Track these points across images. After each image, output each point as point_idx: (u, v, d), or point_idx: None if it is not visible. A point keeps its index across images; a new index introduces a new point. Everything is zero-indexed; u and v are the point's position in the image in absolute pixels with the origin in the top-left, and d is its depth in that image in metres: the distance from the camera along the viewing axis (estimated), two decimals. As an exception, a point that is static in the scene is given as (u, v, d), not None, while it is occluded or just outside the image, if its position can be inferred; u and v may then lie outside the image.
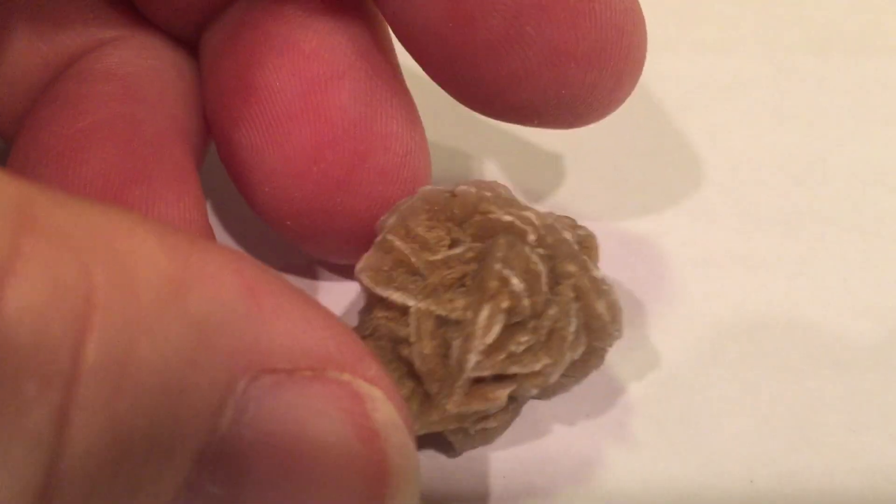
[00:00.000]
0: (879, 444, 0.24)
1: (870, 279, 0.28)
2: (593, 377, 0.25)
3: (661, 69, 0.35)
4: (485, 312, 0.22)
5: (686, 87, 0.35)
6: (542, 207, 0.26)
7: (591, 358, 0.24)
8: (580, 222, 0.25)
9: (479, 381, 0.22)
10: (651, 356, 0.27)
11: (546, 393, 0.25)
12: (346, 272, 0.27)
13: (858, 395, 0.26)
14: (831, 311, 0.28)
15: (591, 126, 0.31)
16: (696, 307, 0.28)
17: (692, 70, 0.35)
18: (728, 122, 0.33)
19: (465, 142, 0.32)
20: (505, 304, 0.22)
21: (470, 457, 0.25)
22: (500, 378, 0.22)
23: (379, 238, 0.24)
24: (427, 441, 0.25)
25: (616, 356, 0.25)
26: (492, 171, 0.31)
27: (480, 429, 0.24)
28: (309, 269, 0.29)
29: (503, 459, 0.25)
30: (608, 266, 0.26)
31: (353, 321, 0.26)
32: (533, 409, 0.25)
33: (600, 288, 0.23)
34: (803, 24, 0.37)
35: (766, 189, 0.31)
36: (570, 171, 0.32)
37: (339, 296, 0.28)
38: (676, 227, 0.30)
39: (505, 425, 0.24)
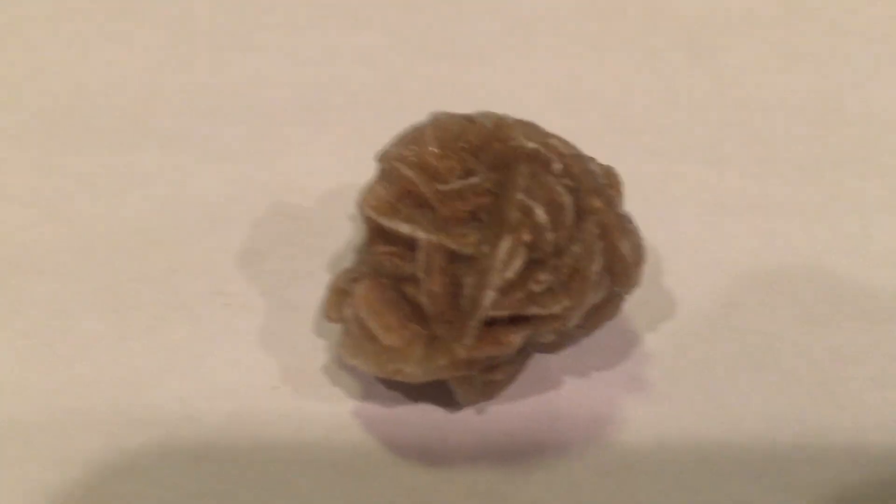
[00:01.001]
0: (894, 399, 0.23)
1: (891, 225, 0.27)
2: (605, 327, 0.23)
3: (670, 9, 0.34)
4: (505, 245, 0.20)
5: (695, 26, 0.33)
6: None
7: (608, 305, 0.22)
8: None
9: (492, 323, 0.20)
10: (666, 305, 0.25)
11: (556, 345, 0.23)
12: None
13: (884, 347, 0.24)
14: (853, 259, 0.26)
15: (601, 68, 0.30)
16: (712, 254, 0.26)
17: (701, 8, 0.33)
18: (739, 63, 0.32)
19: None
20: (527, 238, 0.20)
21: (471, 412, 0.23)
22: (515, 320, 0.21)
23: (385, 166, 0.22)
24: (425, 393, 0.23)
25: (629, 305, 0.24)
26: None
27: (487, 380, 0.22)
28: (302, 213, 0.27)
29: (508, 415, 0.23)
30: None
31: (349, 261, 0.24)
32: (540, 362, 0.24)
33: (626, 227, 0.21)
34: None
35: (781, 132, 0.30)
36: (579, 114, 0.30)
37: (327, 243, 0.26)
38: (688, 171, 0.28)
39: (511, 378, 0.23)
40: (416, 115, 0.28)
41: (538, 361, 0.24)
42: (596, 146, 0.28)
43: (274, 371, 0.23)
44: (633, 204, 0.26)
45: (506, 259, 0.20)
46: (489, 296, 0.20)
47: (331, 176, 0.28)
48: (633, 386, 0.23)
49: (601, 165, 0.22)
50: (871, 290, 0.25)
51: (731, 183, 0.28)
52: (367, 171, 0.25)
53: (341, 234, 0.26)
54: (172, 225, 0.27)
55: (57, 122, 0.30)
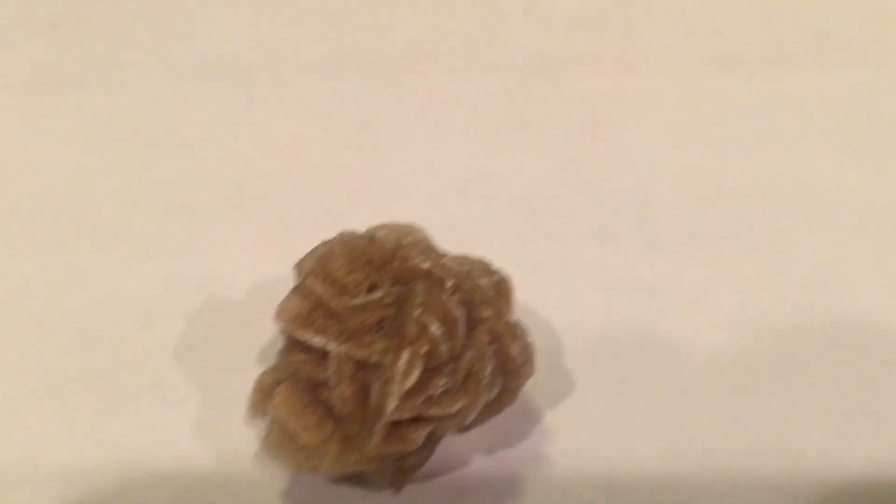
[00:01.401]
0: (778, 463, 0.26)
1: (767, 299, 0.30)
2: (510, 408, 0.26)
3: (562, 88, 0.36)
4: (404, 358, 0.22)
5: (590, 106, 0.35)
6: (457, 236, 0.27)
7: (505, 396, 0.25)
8: (492, 250, 0.26)
9: (397, 422, 0.23)
10: (565, 384, 0.28)
11: (463, 429, 0.26)
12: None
13: (759, 415, 0.27)
14: (732, 334, 0.29)
15: (501, 149, 0.32)
16: (607, 332, 0.29)
17: (595, 89, 0.36)
18: (633, 142, 0.34)
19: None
20: (424, 350, 0.22)
21: (388, 494, 0.25)
22: (418, 419, 0.23)
23: (298, 282, 0.24)
24: (347, 477, 0.25)
25: (531, 385, 0.26)
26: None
27: (399, 466, 0.24)
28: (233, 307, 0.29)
29: (422, 493, 0.25)
30: (522, 291, 0.26)
31: (271, 362, 0.26)
32: (451, 443, 0.26)
33: (514, 332, 0.24)
34: (707, 40, 0.38)
35: (671, 210, 0.32)
36: (486, 199, 0.32)
37: (257, 336, 0.28)
38: (586, 252, 0.31)
39: (423, 461, 0.25)
40: (333, 205, 0.31)
41: (449, 441, 0.26)
42: (501, 230, 0.31)
43: (209, 459, 0.26)
44: (537, 285, 0.29)
45: (405, 370, 0.22)
46: (391, 403, 0.22)
47: (255, 269, 0.30)
48: (534, 462, 0.26)
49: (493, 276, 0.25)
50: (748, 364, 0.28)
51: (623, 262, 0.30)
52: (288, 262, 0.27)
53: (266, 326, 0.28)
54: (111, 322, 0.29)
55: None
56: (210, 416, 0.27)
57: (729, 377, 0.28)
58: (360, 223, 0.26)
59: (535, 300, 0.29)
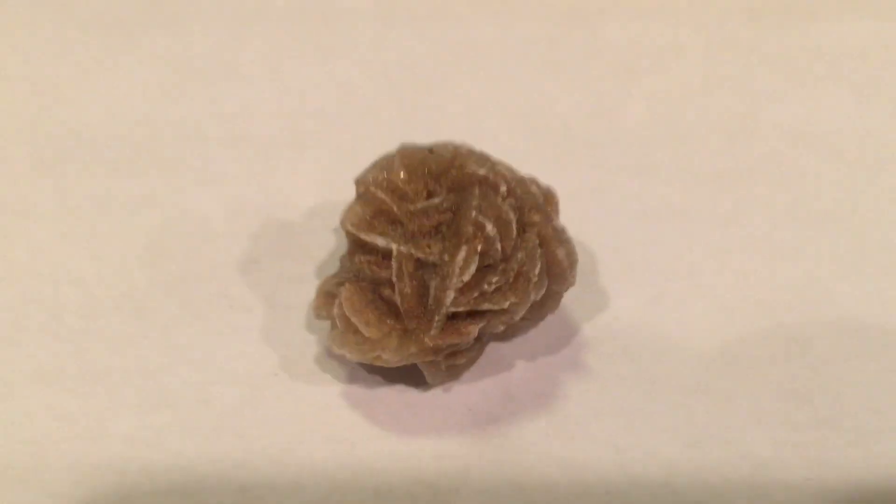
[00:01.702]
0: (800, 374, 0.28)
1: (793, 230, 0.32)
2: (549, 319, 0.28)
3: (598, 36, 0.38)
4: (462, 254, 0.24)
5: (623, 53, 0.38)
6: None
7: (548, 301, 0.27)
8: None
9: (453, 317, 0.25)
10: (601, 299, 0.30)
11: (507, 334, 0.28)
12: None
13: (784, 331, 0.29)
14: (758, 258, 0.31)
15: (545, 93, 0.34)
16: (640, 256, 0.31)
17: (628, 37, 0.38)
18: (665, 87, 0.36)
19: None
20: (480, 247, 0.24)
21: (438, 391, 0.27)
22: (472, 314, 0.25)
23: (361, 189, 0.26)
24: (400, 375, 0.27)
25: (570, 300, 0.28)
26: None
27: (450, 364, 0.26)
28: (292, 226, 0.31)
29: (469, 393, 0.27)
30: (563, 218, 0.28)
31: (334, 268, 0.29)
32: (495, 349, 0.28)
33: (561, 237, 0.26)
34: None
35: (701, 147, 0.34)
36: (527, 134, 0.35)
37: (315, 252, 0.31)
38: (620, 182, 0.33)
39: (471, 362, 0.27)
40: (385, 138, 0.33)
41: (494, 349, 0.28)
42: (541, 162, 0.33)
43: (273, 361, 0.28)
44: (574, 212, 0.31)
45: (463, 265, 0.24)
46: (450, 295, 0.24)
47: (313, 194, 0.32)
48: (573, 368, 0.28)
49: (541, 186, 0.27)
50: (772, 285, 0.30)
51: (656, 192, 0.33)
52: (344, 188, 0.29)
53: (325, 244, 0.31)
54: (178, 240, 0.31)
55: (69, 151, 0.34)
56: (274, 323, 0.29)
57: (753, 298, 0.30)
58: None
59: (573, 225, 0.30)
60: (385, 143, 0.32)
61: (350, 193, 0.29)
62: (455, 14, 0.39)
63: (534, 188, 0.26)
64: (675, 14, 0.39)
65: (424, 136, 0.34)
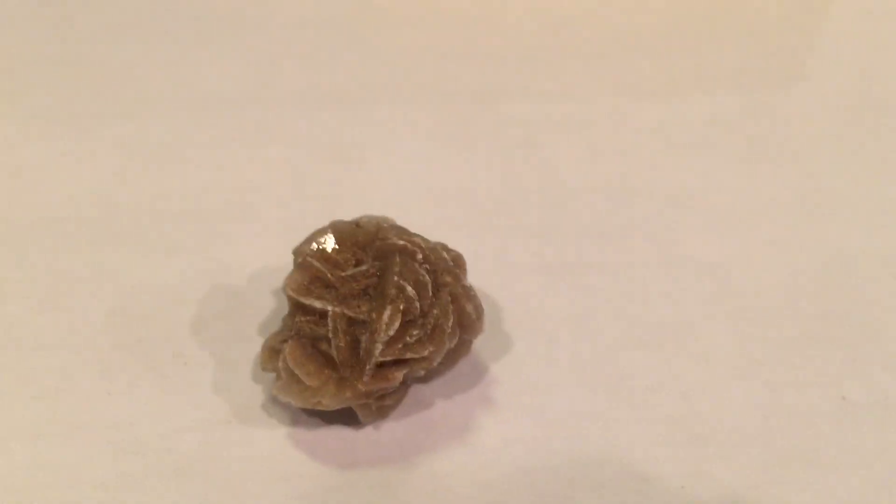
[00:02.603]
0: (671, 400, 0.33)
1: (666, 278, 0.37)
2: (462, 362, 0.33)
3: (499, 114, 0.44)
4: (387, 312, 0.29)
5: (520, 129, 0.43)
6: (418, 230, 0.34)
7: (461, 347, 0.32)
8: (446, 242, 0.33)
9: (381, 365, 0.30)
10: (506, 343, 0.34)
11: (427, 377, 0.33)
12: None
13: (657, 364, 0.34)
14: (638, 303, 0.36)
15: (449, 165, 0.39)
16: (537, 304, 0.36)
17: (524, 114, 0.44)
18: (558, 157, 0.42)
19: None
20: (402, 306, 0.29)
21: (371, 429, 0.32)
22: (397, 362, 0.30)
23: (299, 260, 0.31)
24: (337, 417, 0.31)
25: (479, 345, 0.33)
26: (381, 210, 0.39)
27: (380, 405, 0.31)
28: (237, 290, 0.36)
29: (397, 429, 0.32)
30: (470, 274, 0.33)
31: (275, 326, 0.33)
32: (417, 390, 0.33)
33: (469, 294, 0.31)
34: (613, 73, 0.46)
35: (587, 209, 0.40)
36: (438, 202, 0.40)
37: (258, 312, 0.35)
38: (521, 244, 0.38)
39: (397, 402, 0.32)
40: (315, 210, 0.37)
41: (416, 390, 0.33)
42: (452, 228, 0.38)
43: (226, 410, 0.32)
44: (481, 269, 0.36)
45: (388, 322, 0.29)
46: (378, 347, 0.29)
47: (254, 261, 0.37)
48: (484, 404, 0.33)
49: (450, 252, 0.32)
50: (650, 326, 0.35)
51: (551, 249, 0.38)
52: (282, 255, 0.33)
53: (266, 305, 0.35)
54: (136, 307, 0.35)
55: (35, 231, 0.38)
56: (224, 376, 0.33)
57: (632, 337, 0.35)
58: (336, 225, 0.33)
59: (481, 280, 0.36)
60: (315, 215, 0.37)
61: (287, 259, 0.33)
62: (375, 99, 0.44)
63: (444, 254, 0.31)
64: (565, 92, 0.45)
65: (349, 207, 0.39)
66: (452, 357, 0.31)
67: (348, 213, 0.35)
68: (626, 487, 0.30)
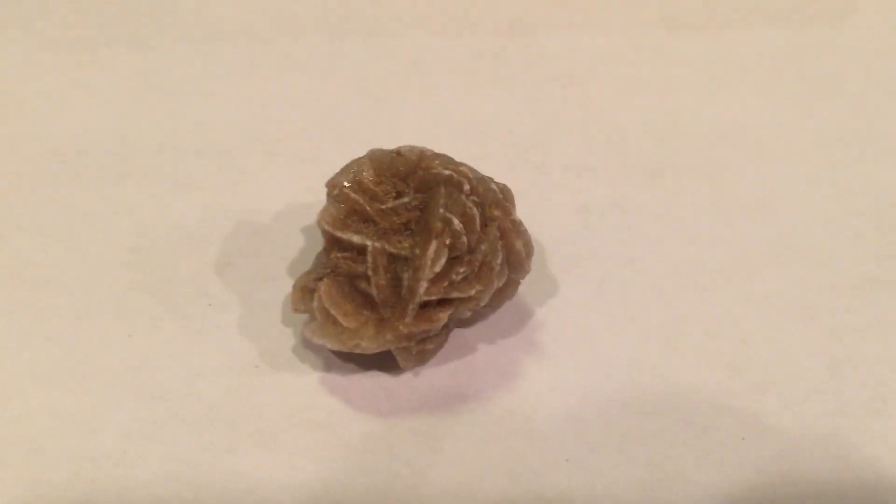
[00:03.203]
0: (730, 347, 0.31)
1: (717, 222, 0.35)
2: (507, 305, 0.31)
3: (536, 47, 0.41)
4: (432, 247, 0.27)
5: (559, 63, 0.41)
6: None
7: (508, 288, 0.29)
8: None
9: (424, 305, 0.27)
10: (550, 286, 0.32)
11: (470, 320, 0.30)
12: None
13: (714, 309, 0.32)
14: (688, 244, 0.34)
15: (486, 99, 0.37)
16: (583, 245, 0.34)
17: (563, 47, 0.41)
18: (600, 93, 0.39)
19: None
20: (448, 241, 0.27)
21: (409, 374, 0.30)
22: (441, 302, 0.28)
23: (336, 192, 0.28)
24: (373, 362, 0.29)
25: (523, 287, 0.31)
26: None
27: (420, 349, 0.29)
28: (262, 228, 0.33)
29: (437, 375, 0.30)
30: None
31: (303, 266, 0.31)
32: (459, 334, 0.31)
33: (518, 229, 0.29)
34: (655, 4, 0.43)
35: (632, 147, 0.37)
36: (475, 138, 0.37)
37: (285, 251, 0.33)
38: (563, 181, 0.36)
39: (439, 346, 0.30)
40: (344, 145, 0.35)
41: (458, 334, 0.31)
42: (490, 164, 0.35)
43: (254, 354, 0.30)
44: (523, 208, 0.33)
45: (434, 258, 0.27)
46: (423, 286, 0.27)
47: (281, 197, 0.34)
48: (529, 349, 0.31)
49: (498, 184, 0.29)
50: (702, 268, 0.33)
51: (594, 189, 0.36)
52: (309, 192, 0.31)
53: (294, 244, 0.33)
54: (156, 245, 0.33)
55: (48, 165, 0.35)
56: (251, 319, 0.31)
57: (685, 280, 0.33)
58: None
59: (523, 220, 0.33)
60: (344, 149, 0.34)
61: (313, 197, 0.31)
62: (401, 29, 0.42)
63: (493, 186, 0.28)
64: (603, 25, 0.43)
65: (380, 142, 0.36)
66: (498, 298, 0.29)
67: (378, 146, 0.33)
68: (682, 440, 0.28)
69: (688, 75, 0.41)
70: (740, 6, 0.44)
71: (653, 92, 0.40)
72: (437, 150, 0.30)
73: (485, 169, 0.32)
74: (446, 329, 0.29)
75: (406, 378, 0.30)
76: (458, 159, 0.30)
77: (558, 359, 0.30)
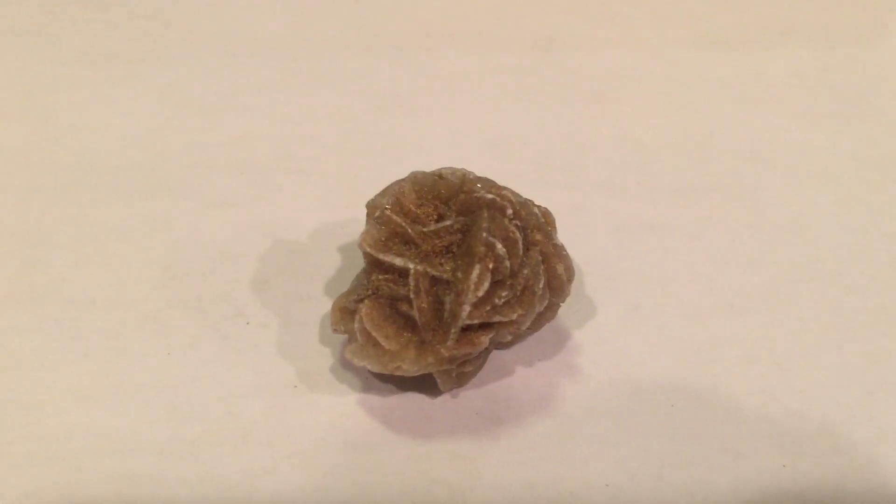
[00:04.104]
0: (766, 371, 0.31)
1: (751, 237, 0.35)
2: (545, 328, 0.31)
3: (573, 66, 0.41)
4: (476, 271, 0.27)
5: (590, 81, 0.41)
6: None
7: (548, 312, 0.29)
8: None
9: (466, 329, 0.27)
10: (588, 308, 0.32)
11: (509, 343, 0.30)
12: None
13: (749, 332, 0.32)
14: (723, 265, 0.34)
15: (517, 117, 0.36)
16: (618, 267, 0.34)
17: (594, 65, 0.41)
18: (632, 111, 0.39)
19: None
20: (491, 265, 0.27)
21: (447, 396, 0.29)
22: (483, 326, 0.28)
23: (377, 213, 0.28)
24: (411, 384, 0.29)
25: (561, 308, 0.31)
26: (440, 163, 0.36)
27: (460, 371, 0.29)
28: (298, 247, 0.33)
29: (476, 397, 0.30)
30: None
31: (340, 285, 0.31)
32: (497, 356, 0.31)
33: (560, 254, 0.29)
34: (686, 24, 0.43)
35: (664, 166, 0.37)
36: (505, 156, 0.37)
37: (322, 271, 0.33)
38: (595, 201, 0.36)
39: (478, 369, 0.29)
40: (376, 163, 0.35)
41: (495, 356, 0.30)
42: (521, 182, 0.35)
43: (292, 373, 0.30)
44: (558, 229, 0.33)
45: (477, 282, 0.27)
46: (465, 310, 0.27)
47: (317, 214, 0.34)
48: (566, 371, 0.31)
49: (540, 207, 0.29)
50: (737, 289, 0.33)
51: (627, 208, 0.35)
52: (344, 210, 0.31)
53: (330, 263, 0.33)
54: (192, 261, 0.33)
55: (83, 180, 0.35)
56: (289, 338, 0.31)
57: (721, 302, 0.33)
58: (396, 177, 0.30)
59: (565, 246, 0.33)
60: (378, 166, 0.34)
61: (350, 214, 0.31)
62: (432, 46, 0.42)
63: (535, 209, 0.28)
64: (635, 43, 0.43)
65: (411, 159, 0.36)
66: (539, 321, 0.29)
67: (408, 166, 0.33)
68: (720, 466, 0.28)
69: (720, 94, 0.41)
70: (772, 25, 0.44)
71: (685, 110, 0.40)
72: (467, 167, 0.30)
73: (516, 187, 0.32)
74: (486, 351, 0.29)
75: (444, 400, 0.29)
76: (486, 176, 0.30)
77: (596, 382, 0.30)
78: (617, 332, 0.32)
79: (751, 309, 0.33)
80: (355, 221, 0.33)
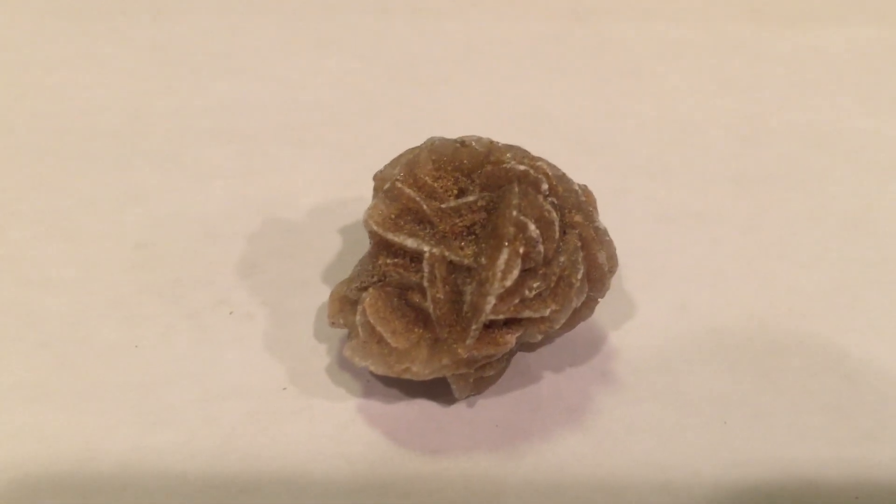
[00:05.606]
0: (834, 385, 0.27)
1: (810, 230, 0.30)
2: (579, 327, 0.26)
3: (612, 37, 0.37)
4: (503, 257, 0.22)
5: (630, 53, 0.36)
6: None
7: (584, 308, 0.25)
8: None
9: (489, 325, 0.23)
10: (627, 307, 0.28)
11: (535, 344, 0.26)
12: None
13: (813, 339, 0.28)
14: (782, 262, 0.30)
15: (555, 92, 0.32)
16: (663, 260, 0.29)
17: (634, 36, 0.37)
18: (677, 88, 0.35)
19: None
20: (521, 250, 0.22)
21: (462, 405, 0.25)
22: (509, 322, 0.23)
23: (386, 186, 0.24)
24: (421, 389, 0.25)
25: (597, 306, 0.27)
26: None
27: (479, 377, 0.24)
28: (294, 227, 0.29)
29: (496, 407, 0.25)
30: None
31: (341, 271, 0.27)
32: (520, 359, 0.26)
33: (602, 239, 0.24)
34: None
35: (712, 149, 0.33)
36: (536, 133, 0.33)
37: (320, 255, 0.28)
38: (637, 186, 0.31)
39: (499, 374, 0.25)
40: (387, 135, 0.31)
41: (519, 359, 0.26)
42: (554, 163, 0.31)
43: (281, 373, 0.26)
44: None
45: (504, 269, 0.22)
46: (490, 302, 0.22)
47: (316, 191, 0.30)
48: (602, 378, 0.26)
49: (579, 185, 0.25)
50: (799, 290, 0.29)
51: (672, 194, 0.31)
52: (347, 186, 0.27)
53: (330, 245, 0.29)
54: (172, 239, 0.29)
55: (51, 144, 0.31)
56: (279, 331, 0.27)
57: (779, 304, 0.29)
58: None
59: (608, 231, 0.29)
60: (387, 139, 0.30)
61: (355, 191, 0.27)
62: (457, 9, 0.37)
63: (575, 186, 0.24)
64: (681, 13, 0.38)
65: (426, 133, 0.32)
66: (573, 319, 0.25)
67: (422, 140, 0.29)
68: (785, 496, 0.24)
69: (776, 72, 0.37)
70: (830, 2, 0.40)
71: (737, 89, 0.36)
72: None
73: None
74: (510, 353, 0.25)
75: (458, 409, 0.25)
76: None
77: (636, 393, 0.26)
78: (660, 334, 0.27)
79: (814, 313, 0.28)
80: (360, 200, 0.29)
